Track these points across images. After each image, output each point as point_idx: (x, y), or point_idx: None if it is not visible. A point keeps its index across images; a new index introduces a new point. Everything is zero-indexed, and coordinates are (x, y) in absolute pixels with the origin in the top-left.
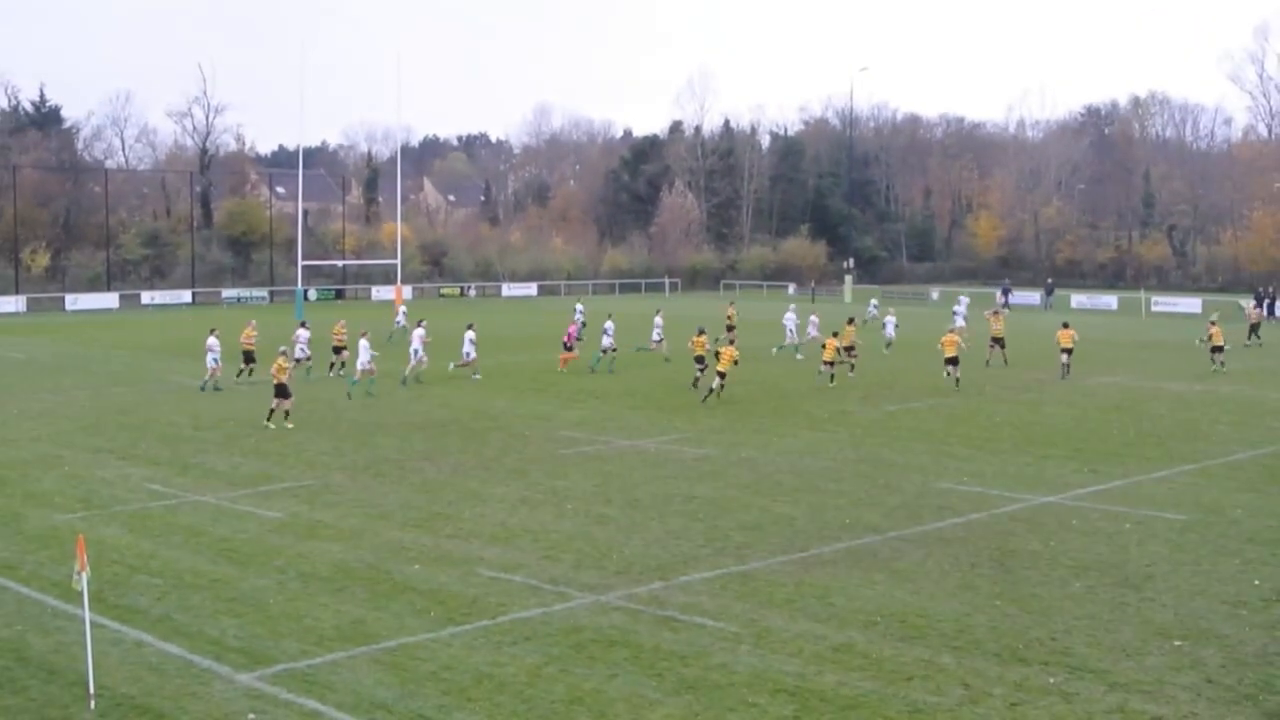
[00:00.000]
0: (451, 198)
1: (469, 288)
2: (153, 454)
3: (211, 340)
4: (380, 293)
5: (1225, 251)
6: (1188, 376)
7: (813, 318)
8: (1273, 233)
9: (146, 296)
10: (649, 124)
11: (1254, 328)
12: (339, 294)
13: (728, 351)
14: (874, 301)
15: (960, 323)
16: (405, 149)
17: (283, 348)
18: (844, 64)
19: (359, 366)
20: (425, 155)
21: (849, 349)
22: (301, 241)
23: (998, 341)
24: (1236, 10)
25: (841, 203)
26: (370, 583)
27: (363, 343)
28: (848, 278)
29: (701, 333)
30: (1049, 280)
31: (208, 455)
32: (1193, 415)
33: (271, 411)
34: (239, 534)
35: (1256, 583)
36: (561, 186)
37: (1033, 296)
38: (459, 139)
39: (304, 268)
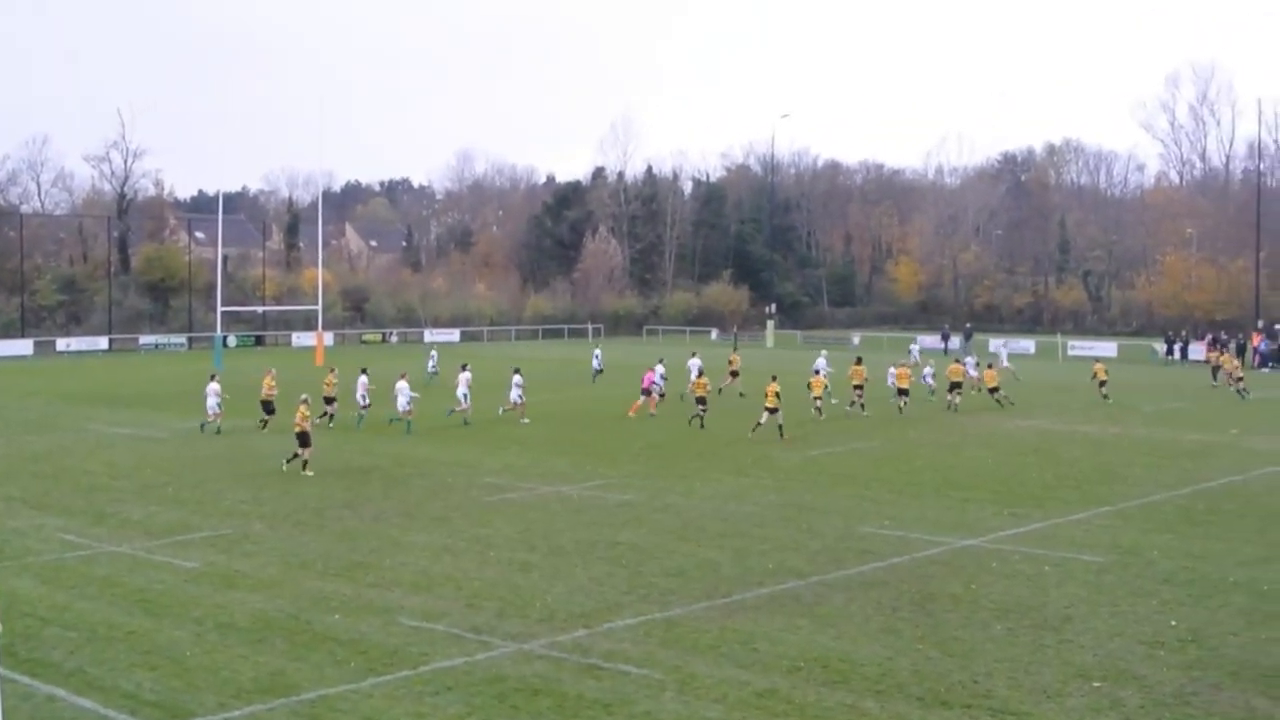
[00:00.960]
0: (373, 243)
1: (391, 333)
2: (67, 503)
3: (212, 385)
4: (301, 339)
5: (1139, 296)
6: (1103, 419)
7: (692, 361)
8: (1184, 277)
9: (62, 343)
10: (572, 170)
11: (1233, 378)
12: (259, 340)
13: (770, 388)
14: (914, 347)
15: (915, 359)
16: (327, 194)
17: (304, 395)
18: (765, 110)
19: (399, 409)
20: (347, 200)
21: (858, 388)
22: (221, 287)
23: (993, 391)
24: (1148, 59)
25: (763, 248)
26: (290, 633)
27: (401, 384)
28: (770, 323)
29: (701, 374)
30: (968, 325)
31: (124, 504)
32: (1108, 458)
33: (294, 456)
34: (155, 585)
35: (1173, 623)
36: (484, 232)
37: (951, 342)
38: (381, 184)
39: (223, 314)
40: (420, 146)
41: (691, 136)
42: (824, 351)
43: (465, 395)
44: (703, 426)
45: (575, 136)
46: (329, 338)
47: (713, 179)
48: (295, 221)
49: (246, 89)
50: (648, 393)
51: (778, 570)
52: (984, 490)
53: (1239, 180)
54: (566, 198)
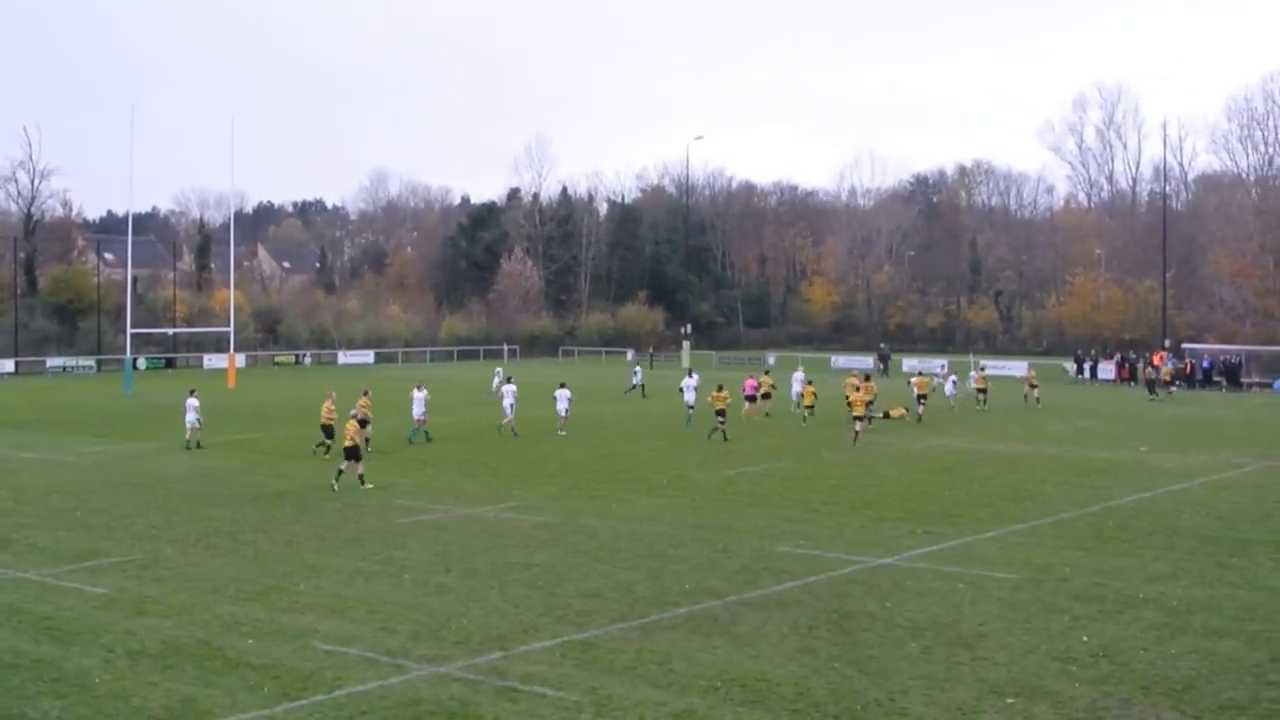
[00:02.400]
0: (286, 264)
1: (304, 355)
2: None
3: (191, 401)
4: (213, 361)
5: (1049, 316)
6: (1015, 438)
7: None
8: (1093, 297)
9: None
10: (487, 191)
11: (1161, 383)
12: (170, 363)
13: (809, 390)
14: (942, 364)
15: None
16: (239, 215)
17: (353, 410)
18: (680, 131)
19: (414, 418)
20: (259, 221)
21: (869, 403)
22: (131, 309)
23: (982, 392)
24: (1056, 81)
25: (678, 269)
26: (201, 659)
27: (418, 395)
28: (685, 343)
29: (721, 388)
30: (882, 345)
31: (30, 530)
32: (1020, 476)
33: (340, 473)
34: (63, 611)
35: (1085, 639)
36: (399, 253)
37: (865, 361)
38: (294, 205)
39: (133, 336)
40: (334, 167)
41: (606, 157)
42: (800, 368)
43: (511, 406)
44: (724, 438)
45: (490, 157)
46: (241, 360)
47: (628, 200)
48: (206, 242)
49: (156, 108)
50: (752, 399)
51: (694, 590)
52: (898, 509)
53: (1145, 202)
54: (481, 219)
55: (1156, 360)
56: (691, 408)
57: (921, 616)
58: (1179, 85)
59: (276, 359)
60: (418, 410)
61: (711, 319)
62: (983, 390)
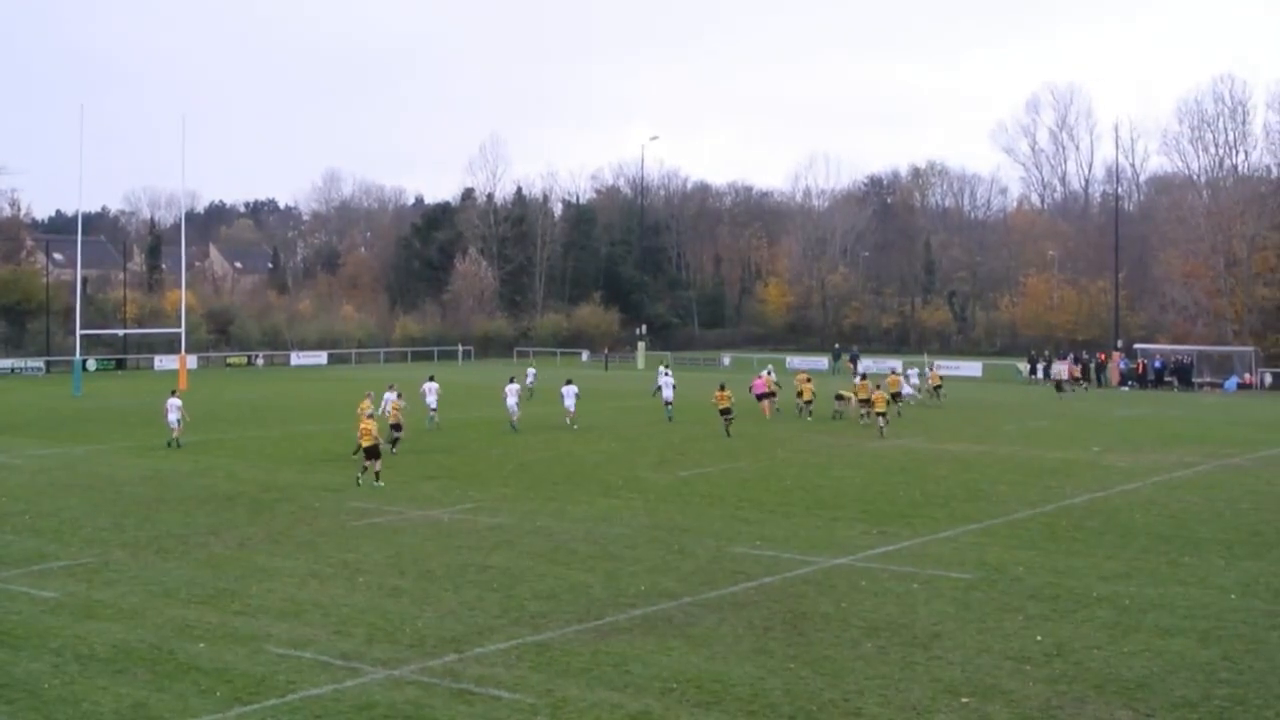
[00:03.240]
0: (238, 265)
1: (256, 356)
2: None
3: (173, 400)
4: (164, 362)
5: (1003, 316)
6: (968, 438)
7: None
8: (1046, 298)
9: None
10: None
11: (1071, 381)
12: (120, 364)
13: (873, 392)
14: (895, 365)
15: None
16: (190, 215)
17: (370, 410)
18: (635, 132)
19: (430, 406)
20: (211, 221)
21: (865, 400)
22: (80, 310)
23: (936, 389)
24: (1009, 82)
25: (633, 270)
26: (152, 663)
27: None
28: (640, 344)
29: (723, 388)
30: (836, 345)
31: None
32: (974, 476)
33: (364, 471)
34: (11, 615)
35: (1039, 638)
36: (352, 254)
37: (820, 361)
38: (246, 205)
39: (83, 337)
40: (286, 167)
41: (561, 158)
42: (769, 366)
43: (514, 407)
44: (728, 435)
45: (444, 158)
46: (192, 361)
47: (583, 201)
48: (157, 243)
49: (107, 106)
50: (762, 397)
51: (650, 592)
52: (853, 509)
53: (1098, 203)
54: (435, 219)
55: (1114, 359)
56: (670, 403)
57: (876, 617)
58: (1131, 87)
59: (228, 360)
60: (431, 400)
61: (667, 320)
62: (938, 387)
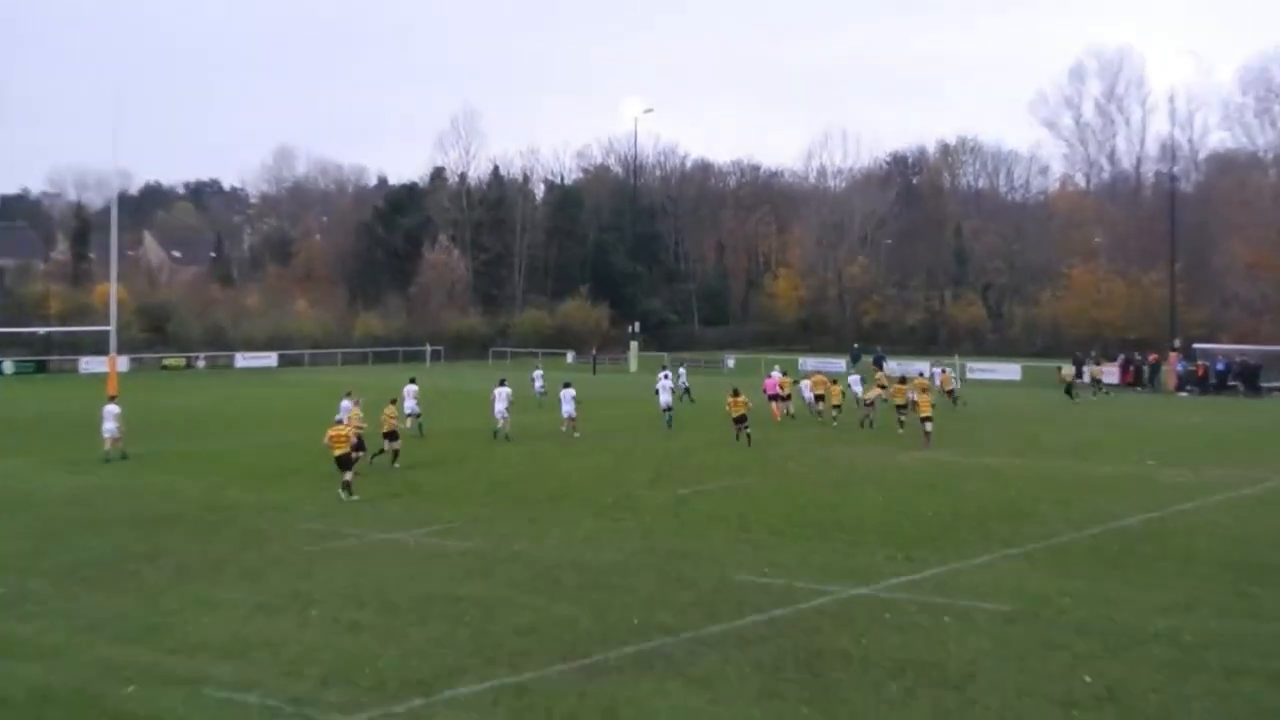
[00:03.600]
0: (177, 254)
1: (197, 358)
2: None
3: (110, 408)
4: (90, 364)
5: (1044, 312)
6: (1005, 450)
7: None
8: (1093, 292)
9: None
10: (407, 171)
11: (1094, 384)
12: (41, 366)
13: (911, 396)
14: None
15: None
16: (122, 198)
17: (338, 417)
18: (627, 104)
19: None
20: (146, 205)
21: (900, 406)
22: None
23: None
24: (1050, 50)
25: (625, 260)
26: (76, 709)
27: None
28: (633, 344)
29: (737, 393)
30: (855, 345)
31: None
32: (1012, 493)
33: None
34: None
35: (1088, 679)
36: (306, 241)
37: (837, 363)
38: (186, 186)
39: None
40: (232, 144)
41: (543, 133)
42: (777, 366)
43: (503, 414)
44: (748, 442)
45: (411, 133)
46: (124, 363)
47: (568, 181)
48: (85, 229)
49: (28, 76)
50: (774, 398)
51: (644, 626)
52: (875, 532)
53: (1151, 184)
54: (401, 202)
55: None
56: (669, 409)
57: (903, 654)
58: (1188, 52)
59: (165, 362)
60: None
61: (663, 316)
62: (951, 391)
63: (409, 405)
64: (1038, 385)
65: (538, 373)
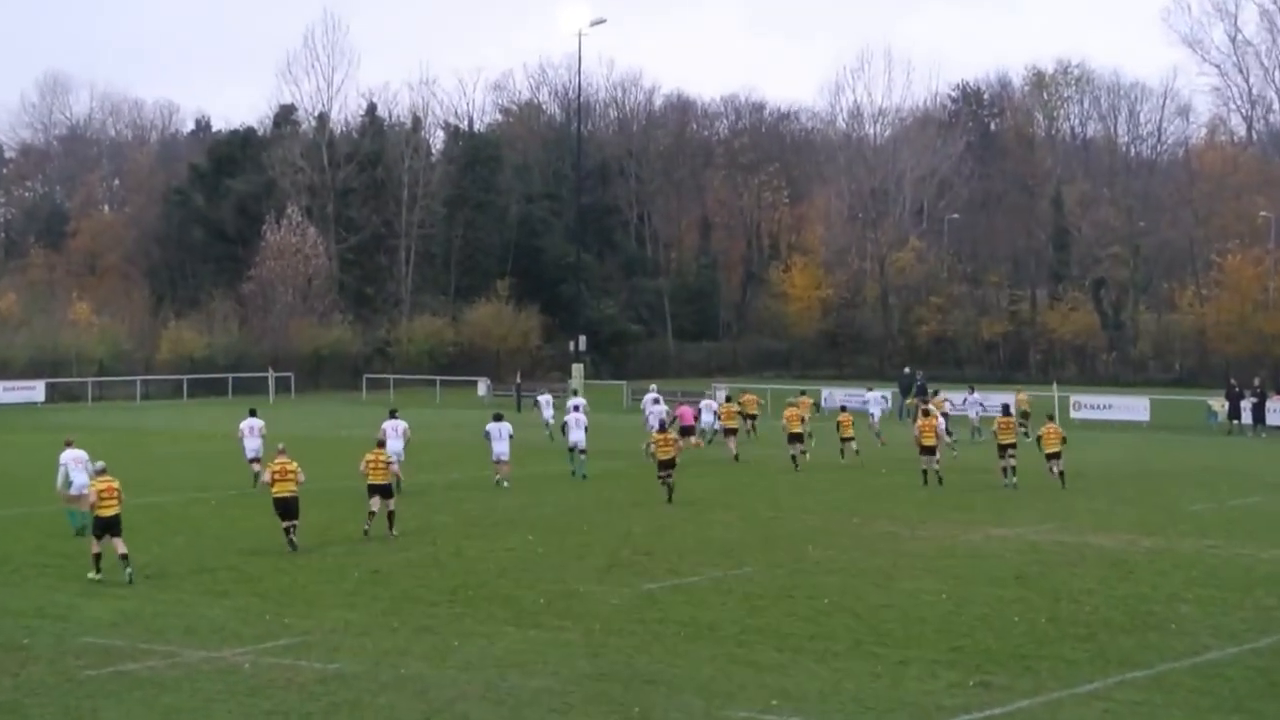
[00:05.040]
0: None
1: None
2: None
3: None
4: None
5: (1184, 321)
6: (1127, 524)
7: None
8: (1256, 290)
9: None
10: (239, 110)
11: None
12: None
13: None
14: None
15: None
16: None
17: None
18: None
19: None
20: None
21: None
22: None
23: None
24: None
25: (564, 244)
26: None
27: (69, 454)
28: (577, 367)
29: (664, 428)
30: (907, 370)
31: None
32: (1137, 589)
33: (371, 515)
34: None
35: None
36: (88, 216)
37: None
38: None
39: None
40: None
41: (444, 56)
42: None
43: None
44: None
45: (245, 55)
46: None
47: (480, 127)
48: None
49: None
50: (689, 431)
51: None
52: (934, 646)
53: None
54: (231, 157)
55: None
56: (583, 452)
57: None
58: None
59: None
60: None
61: (621, 327)
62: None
63: (250, 446)
64: (1175, 428)
65: (545, 396)
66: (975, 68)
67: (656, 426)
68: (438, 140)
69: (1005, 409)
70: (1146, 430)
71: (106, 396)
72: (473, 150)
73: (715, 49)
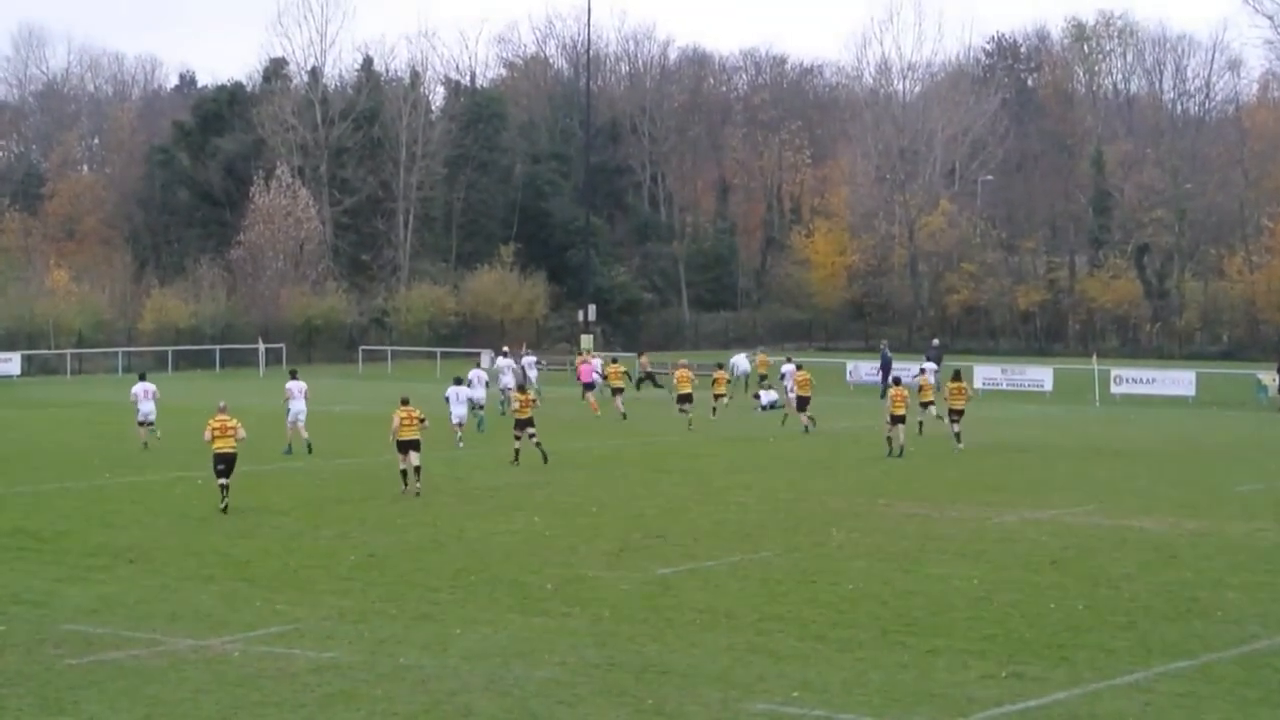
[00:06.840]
0: None
1: None
2: None
3: None
4: None
5: (1234, 291)
6: (1169, 507)
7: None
8: None
9: None
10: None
11: None
12: None
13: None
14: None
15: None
16: None
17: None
18: None
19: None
20: None
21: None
22: None
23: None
24: None
25: (573, 207)
26: None
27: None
28: (586, 338)
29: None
30: (935, 341)
31: None
32: (1183, 574)
33: (404, 474)
34: None
35: None
36: (65, 178)
37: (908, 367)
38: None
39: None
40: None
41: (445, 7)
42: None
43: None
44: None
45: (231, 7)
46: None
47: (483, 83)
48: None
49: None
50: (590, 386)
51: None
52: (964, 635)
53: None
54: (218, 115)
55: None
56: (506, 392)
57: None
58: None
59: None
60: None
61: (633, 295)
62: (929, 404)
63: (143, 409)
64: (1222, 403)
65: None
66: (1011, 20)
67: (514, 386)
68: (438, 96)
69: (956, 374)
70: (1192, 406)
71: (86, 369)
72: (475, 107)
73: (734, 1)
